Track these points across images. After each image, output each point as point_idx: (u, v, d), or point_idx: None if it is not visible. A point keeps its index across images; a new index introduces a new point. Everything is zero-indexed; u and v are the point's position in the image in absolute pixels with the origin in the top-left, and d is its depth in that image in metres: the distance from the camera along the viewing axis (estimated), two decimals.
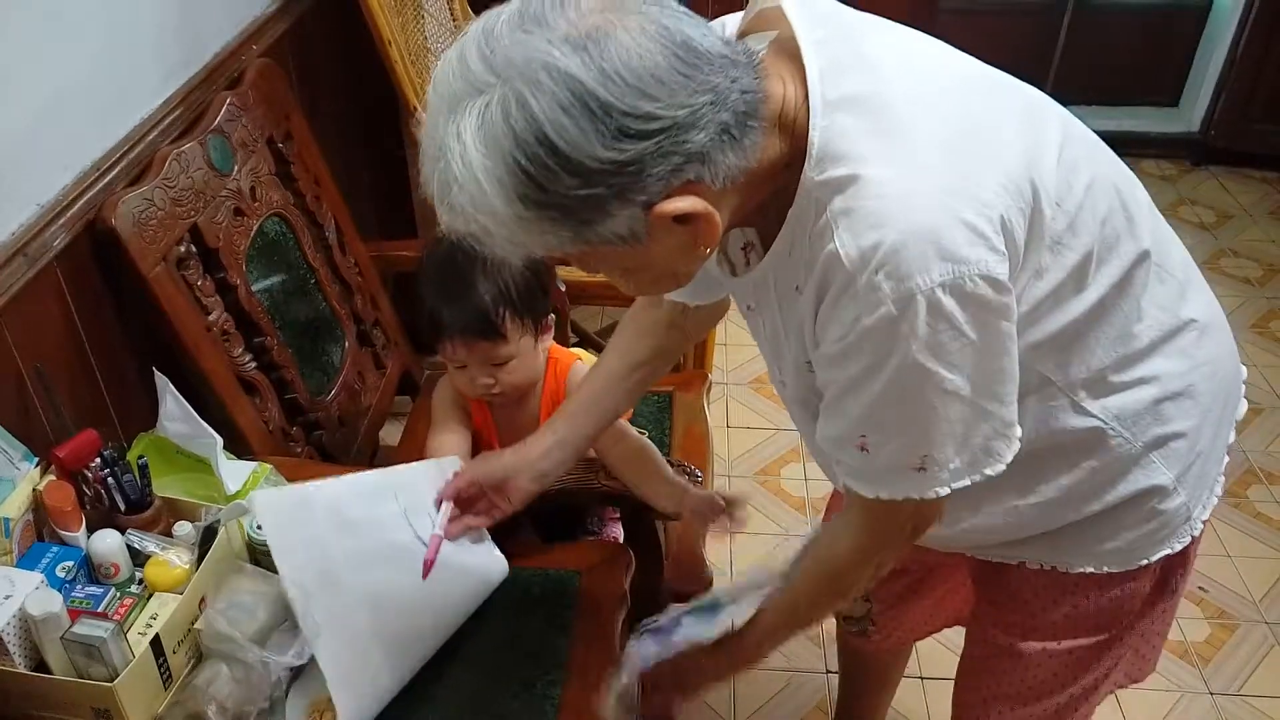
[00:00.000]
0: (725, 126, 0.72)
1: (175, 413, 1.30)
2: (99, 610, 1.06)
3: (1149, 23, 3.53)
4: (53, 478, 1.14)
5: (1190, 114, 3.63)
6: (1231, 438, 1.08)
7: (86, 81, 1.32)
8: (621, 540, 1.49)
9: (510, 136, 0.69)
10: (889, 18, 0.89)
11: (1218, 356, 1.01)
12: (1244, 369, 1.08)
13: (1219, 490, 1.07)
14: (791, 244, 0.83)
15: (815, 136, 0.78)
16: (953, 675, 1.28)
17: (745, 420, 2.53)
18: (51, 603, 1.00)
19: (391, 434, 1.87)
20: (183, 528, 1.16)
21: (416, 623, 1.14)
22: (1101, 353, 0.92)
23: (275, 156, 1.65)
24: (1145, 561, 1.04)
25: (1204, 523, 1.05)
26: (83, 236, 1.28)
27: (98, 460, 1.16)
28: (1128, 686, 1.22)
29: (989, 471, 0.86)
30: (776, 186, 0.81)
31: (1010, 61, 0.95)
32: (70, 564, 1.09)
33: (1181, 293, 0.97)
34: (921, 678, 1.90)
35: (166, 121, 1.47)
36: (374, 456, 1.77)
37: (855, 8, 0.87)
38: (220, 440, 1.29)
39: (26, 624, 1.01)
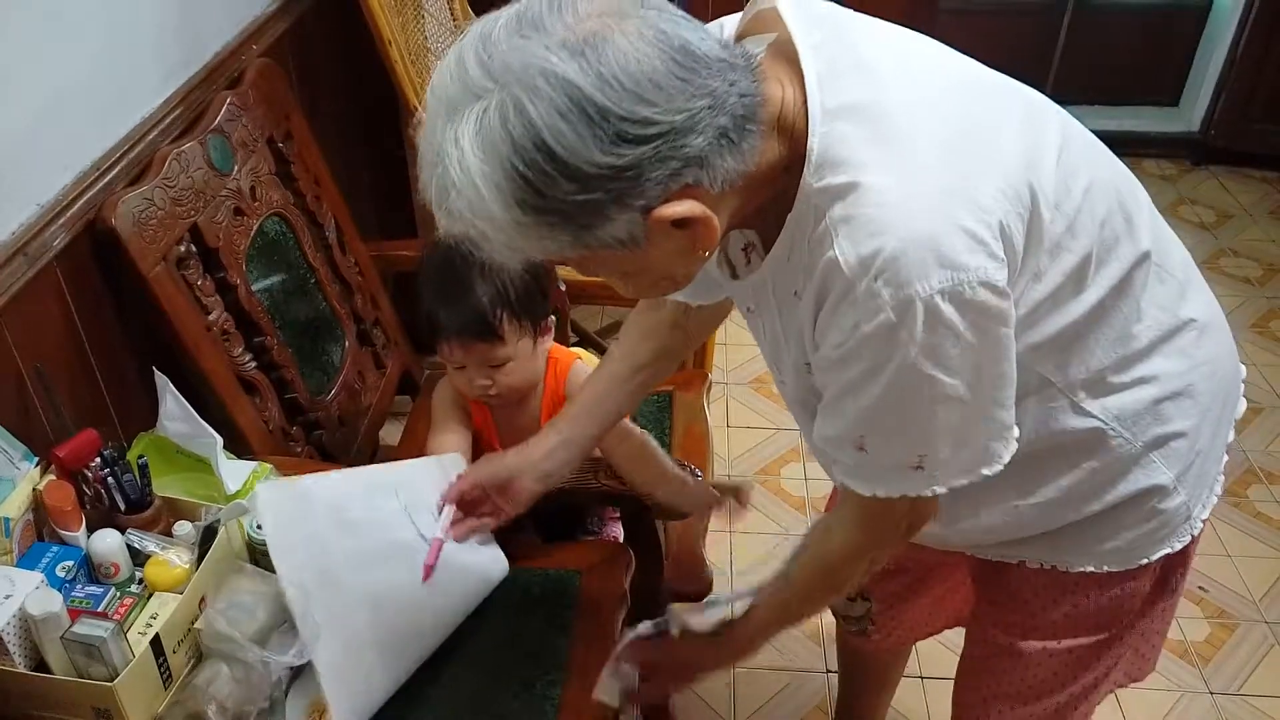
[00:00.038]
0: (723, 130, 0.72)
1: (175, 412, 1.30)
2: (99, 610, 1.06)
3: (1149, 23, 3.53)
4: (53, 477, 1.14)
5: (1190, 114, 3.63)
6: (1231, 437, 1.08)
7: (86, 81, 1.32)
8: (621, 540, 1.49)
9: (508, 142, 0.69)
10: (887, 18, 0.89)
11: (1217, 356, 1.01)
12: (1243, 368, 1.08)
13: (1219, 489, 1.07)
14: (790, 249, 0.84)
15: (814, 143, 0.78)
16: (953, 675, 1.28)
17: (745, 420, 2.54)
18: (51, 602, 1.00)
19: (391, 434, 1.87)
20: (183, 527, 1.16)
21: (416, 621, 1.14)
22: (1101, 353, 0.92)
23: (275, 156, 1.65)
24: (1145, 561, 1.04)
25: (1204, 522, 1.05)
26: (83, 236, 1.28)
27: (98, 460, 1.16)
28: (1128, 686, 1.22)
29: (986, 471, 0.86)
30: (776, 190, 0.81)
31: (1010, 61, 0.95)
32: (70, 564, 1.09)
33: (1181, 292, 0.97)
34: (921, 677, 1.90)
35: (166, 121, 1.47)
36: (374, 456, 1.77)
37: (855, 9, 0.87)
38: (220, 440, 1.29)
39: (26, 624, 1.01)
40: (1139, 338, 0.94)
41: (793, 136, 0.79)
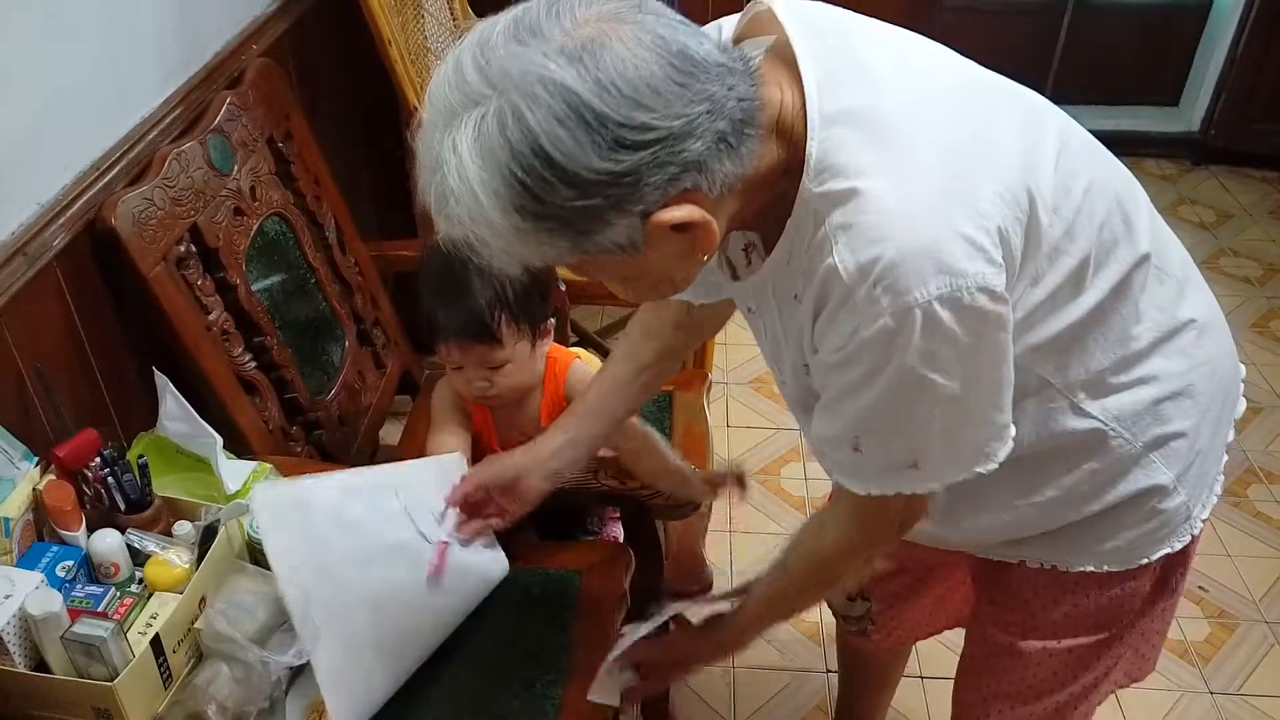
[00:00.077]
0: (722, 135, 0.72)
1: (175, 412, 1.30)
2: (99, 610, 1.06)
3: (1149, 23, 3.53)
4: (53, 477, 1.14)
5: (1190, 114, 3.63)
6: (1231, 436, 1.08)
7: (86, 81, 1.32)
8: (621, 540, 1.49)
9: (506, 149, 0.69)
10: (887, 18, 0.89)
11: (1216, 356, 1.01)
12: (1243, 368, 1.08)
13: (1218, 489, 1.07)
14: (790, 253, 0.84)
15: (813, 148, 0.78)
16: (953, 675, 1.28)
17: (745, 420, 2.54)
18: (51, 602, 1.00)
19: (391, 433, 1.87)
20: (183, 527, 1.16)
21: (417, 620, 1.14)
22: (1100, 354, 0.92)
23: (275, 156, 1.65)
24: (1145, 560, 1.04)
25: (1204, 522, 1.05)
26: (83, 236, 1.28)
27: (98, 460, 1.16)
28: (1128, 686, 1.22)
29: (980, 470, 0.87)
30: (775, 193, 0.81)
31: (1010, 61, 0.95)
32: (70, 563, 1.09)
33: (1180, 293, 0.97)
34: (921, 677, 1.90)
35: (166, 121, 1.47)
36: (374, 456, 1.77)
37: (853, 9, 0.87)
38: (220, 440, 1.29)
39: (26, 623, 1.01)
40: (1138, 338, 0.94)
41: (791, 140, 0.79)
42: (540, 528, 1.43)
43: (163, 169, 1.37)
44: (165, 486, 1.24)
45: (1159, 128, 3.65)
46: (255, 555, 1.18)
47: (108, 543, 1.11)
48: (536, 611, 1.23)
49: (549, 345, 1.41)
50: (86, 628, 0.99)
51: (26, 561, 1.09)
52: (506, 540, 1.26)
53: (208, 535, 1.14)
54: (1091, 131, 0.93)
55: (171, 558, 1.11)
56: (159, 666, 1.05)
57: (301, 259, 1.67)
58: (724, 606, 1.13)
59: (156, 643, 1.04)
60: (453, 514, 1.19)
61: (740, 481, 1.37)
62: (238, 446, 1.37)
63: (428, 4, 2.09)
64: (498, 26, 0.71)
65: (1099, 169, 0.91)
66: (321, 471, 1.24)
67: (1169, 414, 0.97)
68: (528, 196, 0.70)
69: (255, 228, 1.55)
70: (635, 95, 0.68)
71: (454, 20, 2.19)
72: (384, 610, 1.10)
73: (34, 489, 1.12)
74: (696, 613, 1.16)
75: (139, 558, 1.13)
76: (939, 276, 0.75)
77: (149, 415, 1.33)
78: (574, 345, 1.93)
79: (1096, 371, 0.93)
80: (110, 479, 1.15)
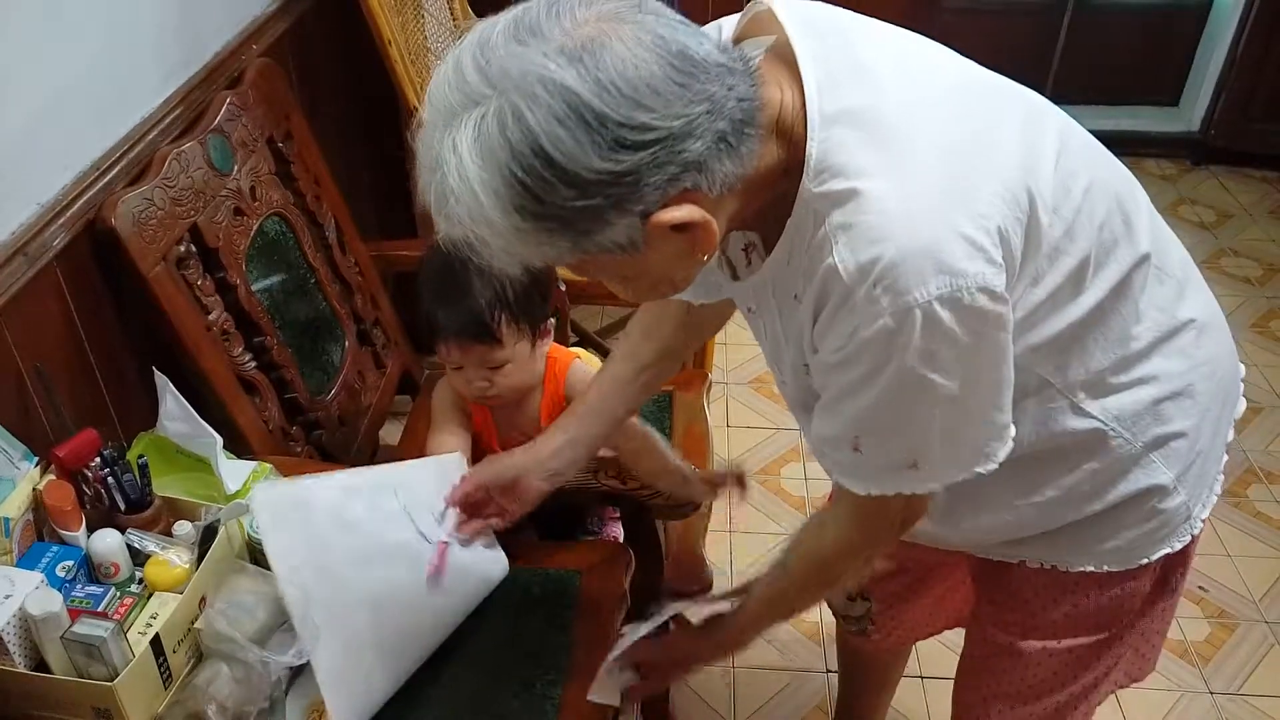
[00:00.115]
0: (722, 135, 0.72)
1: (175, 412, 1.30)
2: (99, 610, 1.06)
3: (1149, 23, 3.53)
4: (53, 477, 1.14)
5: (1190, 114, 3.63)
6: (1231, 436, 1.08)
7: (86, 81, 1.32)
8: (621, 540, 1.49)
9: (506, 149, 0.69)
10: (887, 18, 0.89)
11: (1216, 356, 1.01)
12: (1242, 367, 1.08)
13: (1218, 489, 1.07)
14: (790, 253, 0.84)
15: (813, 148, 0.78)
16: (953, 675, 1.28)
17: (745, 420, 2.54)
18: (51, 602, 1.00)
19: (391, 433, 1.87)
20: (183, 527, 1.16)
21: (416, 621, 1.14)
22: (1100, 354, 0.92)
23: (275, 156, 1.65)
24: (1145, 560, 1.04)
25: (1204, 521, 1.05)
26: (82, 236, 1.28)
27: (98, 460, 1.16)
28: (1128, 686, 1.22)
29: (980, 470, 0.87)
30: (775, 193, 0.81)
31: (1010, 61, 0.95)
32: (70, 563, 1.09)
33: (1180, 293, 0.97)
34: (921, 677, 1.90)
35: (166, 121, 1.47)
36: (374, 456, 1.77)
37: (854, 9, 0.87)
38: (220, 440, 1.29)
39: (26, 623, 1.01)
40: (1138, 338, 0.94)
41: (791, 140, 0.79)
42: (540, 528, 1.43)
43: (163, 169, 1.37)
44: (165, 486, 1.24)
45: (1159, 128, 3.66)
46: (255, 555, 1.18)
47: (108, 543, 1.11)
48: (536, 611, 1.23)
49: (549, 345, 1.41)
50: (86, 628, 0.99)
51: (26, 561, 1.09)
52: (506, 540, 1.26)
53: (208, 535, 1.14)
54: (1091, 131, 0.93)
55: (171, 558, 1.11)
56: (159, 666, 1.05)
57: (301, 259, 1.67)
58: (724, 606, 1.13)
59: (156, 643, 1.04)
60: (453, 514, 1.19)
61: (740, 481, 1.37)
62: (238, 446, 1.37)
63: (428, 4, 2.09)
64: (497, 26, 0.71)
65: (1099, 169, 0.91)
66: (321, 472, 1.24)
67: (1169, 414, 0.97)
68: (528, 196, 0.70)
69: (255, 228, 1.55)
70: (635, 95, 0.68)
71: (454, 20, 2.19)
72: (384, 610, 1.10)
73: (34, 489, 1.12)
74: (696, 613, 1.16)
75: (139, 558, 1.13)
76: (939, 277, 0.75)
77: (149, 415, 1.33)
78: (574, 345, 1.93)
79: (1096, 371, 0.93)
80: (110, 479, 1.15)
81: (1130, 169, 0.96)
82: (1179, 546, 1.04)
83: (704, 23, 0.82)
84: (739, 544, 2.18)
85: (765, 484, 2.35)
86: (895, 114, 0.79)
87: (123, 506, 1.16)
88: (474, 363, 1.34)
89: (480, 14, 0.74)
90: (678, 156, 0.70)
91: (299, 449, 1.55)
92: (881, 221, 0.76)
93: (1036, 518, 1.02)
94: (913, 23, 0.89)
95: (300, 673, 1.10)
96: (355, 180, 2.12)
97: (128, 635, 1.03)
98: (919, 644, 1.64)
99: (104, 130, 1.36)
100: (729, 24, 0.90)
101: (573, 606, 1.23)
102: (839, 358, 0.81)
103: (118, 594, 1.09)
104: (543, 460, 1.19)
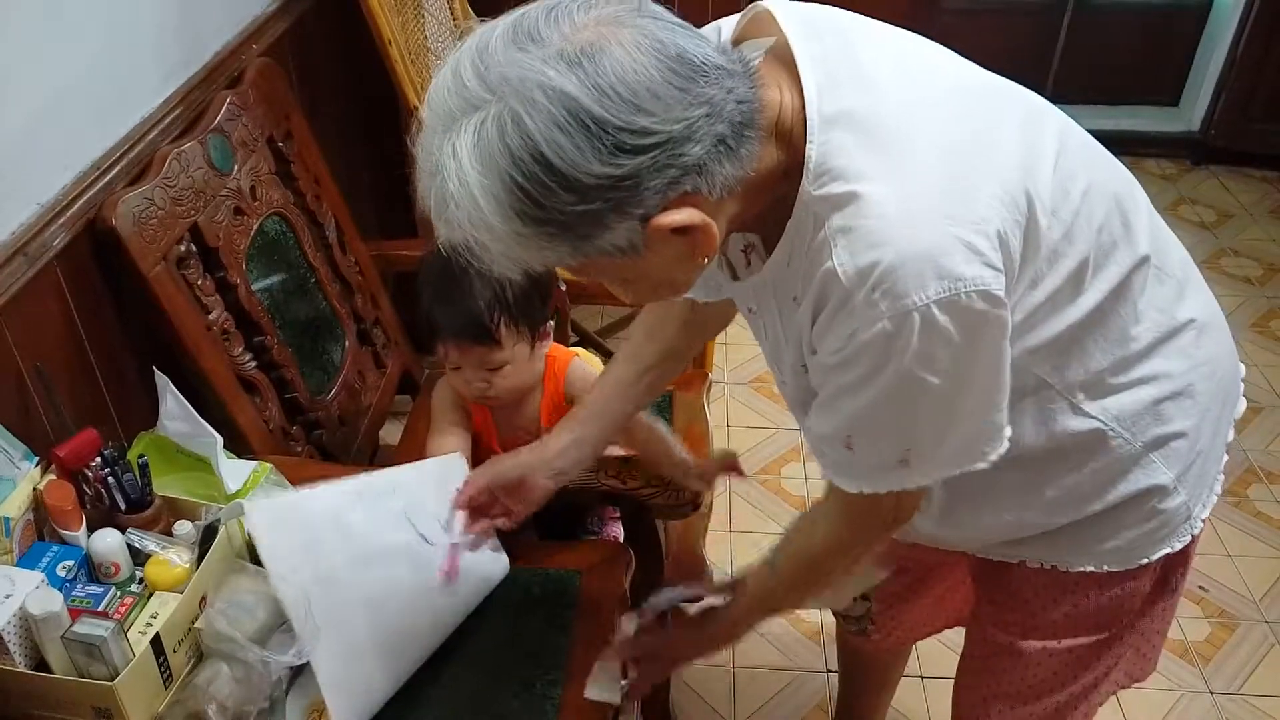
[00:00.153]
0: (721, 138, 0.72)
1: (175, 412, 1.30)
2: (99, 609, 1.06)
3: (1149, 23, 3.53)
4: (53, 477, 1.14)
5: (1190, 114, 3.63)
6: (1231, 436, 1.08)
7: (86, 81, 1.32)
8: (621, 540, 1.49)
9: (506, 154, 0.69)
10: (888, 18, 0.88)
11: (1216, 356, 1.01)
12: (1242, 367, 1.08)
13: (1218, 489, 1.07)
14: (790, 255, 0.84)
15: (812, 151, 0.78)
16: (953, 675, 1.28)
17: (745, 420, 2.54)
18: (52, 602, 1.00)
19: (391, 433, 1.87)
20: (183, 527, 1.16)
21: (416, 622, 1.14)
22: (1099, 355, 0.92)
23: (275, 156, 1.65)
24: (1145, 560, 1.04)
25: (1204, 521, 1.05)
26: (83, 236, 1.28)
27: (98, 459, 1.16)
28: (1128, 686, 1.22)
29: (970, 467, 0.87)
30: (775, 195, 0.81)
31: (1010, 61, 0.95)
32: (70, 563, 1.09)
33: (1180, 293, 0.97)
34: (921, 677, 1.90)
35: (166, 121, 1.47)
36: (374, 456, 1.77)
37: (854, 9, 0.87)
38: (220, 439, 1.29)
39: (27, 623, 1.01)
40: (1138, 339, 0.94)
41: (791, 142, 0.79)
42: (541, 528, 1.43)
43: (163, 169, 1.38)
44: (165, 486, 1.24)
45: (1159, 128, 3.66)
46: (255, 555, 1.18)
47: (108, 542, 1.11)
48: (536, 611, 1.23)
49: (548, 346, 1.41)
50: (87, 627, 0.99)
51: (27, 561, 1.09)
52: (507, 540, 1.26)
53: (208, 535, 1.14)
54: (1091, 131, 0.93)
55: (172, 557, 1.11)
56: (159, 666, 1.05)
57: (301, 258, 1.67)
58: (717, 600, 1.13)
59: (157, 642, 1.04)
60: (460, 517, 1.19)
61: (733, 466, 1.37)
62: (238, 446, 1.37)
63: (428, 4, 2.09)
64: (496, 31, 0.71)
65: (1098, 170, 0.91)
66: (321, 472, 1.24)
67: (1169, 414, 0.97)
68: (528, 201, 0.70)
69: (255, 227, 1.55)
70: (635, 100, 0.68)
71: (454, 20, 2.19)
72: (384, 611, 1.10)
73: (34, 489, 1.12)
74: (689, 606, 1.16)
75: (139, 557, 1.13)
76: (938, 281, 0.75)
77: (149, 415, 1.33)
78: (574, 345, 1.93)
79: (1096, 372, 0.93)
80: (110, 479, 1.15)
81: (1130, 169, 0.96)
82: (1179, 546, 1.04)
83: (703, 24, 0.82)
84: (739, 544, 2.18)
85: (765, 484, 2.35)
86: (895, 115, 0.79)
87: (123, 506, 1.16)
88: (473, 364, 1.34)
89: (481, 13, 0.74)
90: (677, 160, 0.70)
91: (299, 449, 1.55)
92: (881, 225, 0.76)
93: (1036, 517, 1.02)
94: (913, 23, 0.89)
95: (300, 673, 1.10)
96: (355, 180, 2.12)
97: (128, 635, 1.03)
98: (919, 644, 1.64)
99: (104, 130, 1.37)
100: (728, 25, 0.90)
101: (573, 606, 1.23)
102: (837, 359, 0.82)
103: (118, 594, 1.10)
104: (549, 459, 1.19)
